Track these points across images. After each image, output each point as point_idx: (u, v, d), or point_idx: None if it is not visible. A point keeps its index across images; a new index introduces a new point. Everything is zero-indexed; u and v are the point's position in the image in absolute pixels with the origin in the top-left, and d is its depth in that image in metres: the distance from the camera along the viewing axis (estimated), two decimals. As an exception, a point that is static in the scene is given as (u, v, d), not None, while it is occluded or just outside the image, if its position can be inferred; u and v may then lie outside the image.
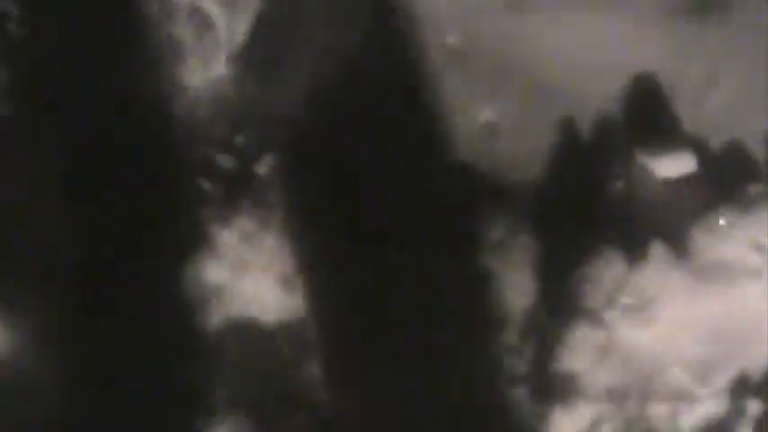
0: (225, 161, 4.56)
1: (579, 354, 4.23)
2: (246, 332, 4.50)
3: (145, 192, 4.62)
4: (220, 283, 4.45)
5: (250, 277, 4.50)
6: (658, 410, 4.23)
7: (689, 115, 4.63)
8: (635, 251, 4.36)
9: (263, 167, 4.61)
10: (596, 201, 4.46)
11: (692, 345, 4.29)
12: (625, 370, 4.20)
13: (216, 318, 4.44)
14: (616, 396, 4.18)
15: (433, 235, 4.49)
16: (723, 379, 4.27)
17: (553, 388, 4.18)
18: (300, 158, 4.59)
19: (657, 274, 4.32)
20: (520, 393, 4.24)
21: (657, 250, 4.36)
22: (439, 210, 4.52)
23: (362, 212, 4.50)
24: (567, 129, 4.59)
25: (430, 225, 4.50)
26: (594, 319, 4.27)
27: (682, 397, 4.25)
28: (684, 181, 4.50)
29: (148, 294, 4.54)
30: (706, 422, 4.26)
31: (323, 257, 4.52)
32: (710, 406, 4.26)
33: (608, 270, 4.33)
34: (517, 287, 4.40)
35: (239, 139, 4.57)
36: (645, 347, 4.25)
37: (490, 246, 4.44)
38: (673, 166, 4.50)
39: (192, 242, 4.56)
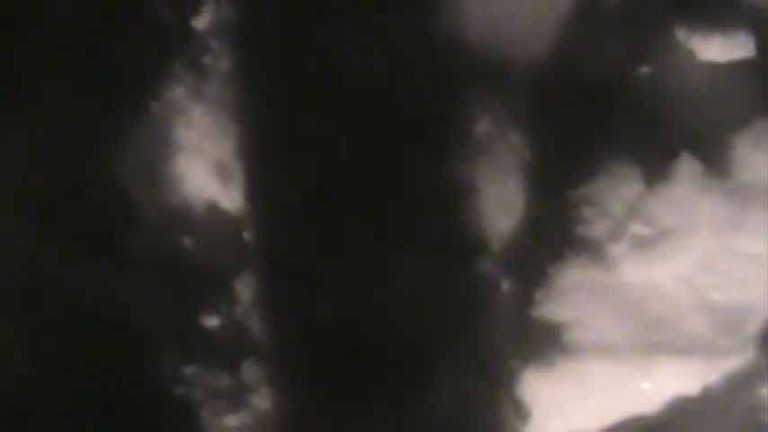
0: (158, 9, 3.52)
1: (570, 297, 3.25)
2: (178, 228, 3.60)
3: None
4: (147, 165, 3.53)
5: (181, 160, 3.56)
6: (668, 366, 3.27)
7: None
8: (656, 165, 3.32)
9: (201, 20, 3.56)
10: (613, 91, 3.38)
11: (719, 288, 3.30)
12: (629, 319, 3.22)
13: (144, 211, 3.55)
14: (614, 350, 3.22)
15: (403, 122, 3.45)
16: (753, 328, 3.28)
17: (531, 338, 3.23)
18: (249, 9, 3.54)
19: (682, 196, 3.30)
20: (488, 341, 3.31)
21: (685, 164, 3.32)
22: (413, 89, 3.46)
23: (322, 87, 3.47)
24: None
25: (401, 108, 3.46)
26: (595, 252, 3.27)
27: (700, 349, 3.28)
28: (735, 68, 3.37)
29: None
30: (728, 378, 3.32)
31: (268, 141, 3.54)
32: (735, 360, 3.28)
33: (618, 188, 3.30)
34: (499, 201, 3.40)
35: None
36: (657, 291, 3.27)
37: (469, 143, 3.39)
38: (721, 46, 3.40)
39: (117, 113, 3.63)
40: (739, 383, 3.43)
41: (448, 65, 3.45)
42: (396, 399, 3.34)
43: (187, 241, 3.56)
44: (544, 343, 3.30)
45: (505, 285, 3.36)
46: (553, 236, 3.34)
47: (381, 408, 3.36)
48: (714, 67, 3.39)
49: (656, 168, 3.31)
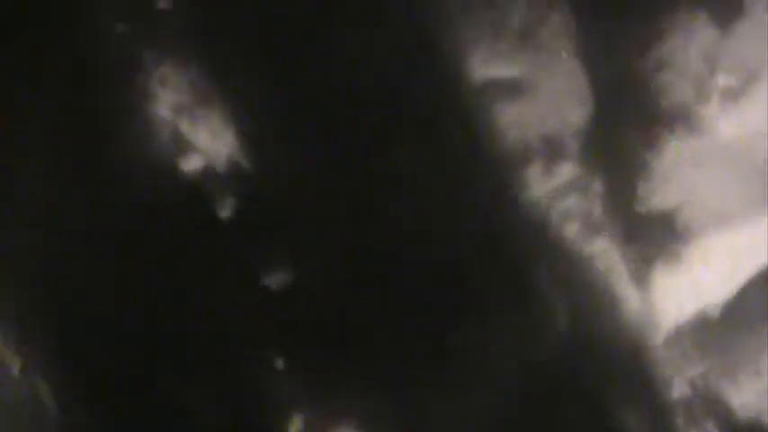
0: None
1: (674, 177, 2.86)
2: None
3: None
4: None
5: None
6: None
7: None
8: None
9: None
10: None
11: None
12: (739, 177, 2.86)
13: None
14: (733, 215, 2.89)
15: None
16: None
17: (644, 237, 2.86)
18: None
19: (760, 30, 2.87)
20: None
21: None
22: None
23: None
24: None
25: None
26: (686, 117, 2.85)
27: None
28: None
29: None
30: None
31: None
32: None
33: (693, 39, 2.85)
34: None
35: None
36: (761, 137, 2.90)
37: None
38: None
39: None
40: None
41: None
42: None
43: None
44: (660, 235, 2.93)
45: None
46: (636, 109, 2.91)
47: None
48: None
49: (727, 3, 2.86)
